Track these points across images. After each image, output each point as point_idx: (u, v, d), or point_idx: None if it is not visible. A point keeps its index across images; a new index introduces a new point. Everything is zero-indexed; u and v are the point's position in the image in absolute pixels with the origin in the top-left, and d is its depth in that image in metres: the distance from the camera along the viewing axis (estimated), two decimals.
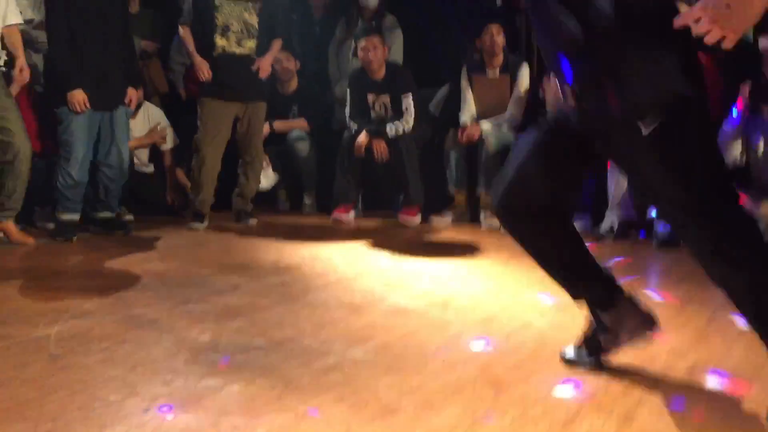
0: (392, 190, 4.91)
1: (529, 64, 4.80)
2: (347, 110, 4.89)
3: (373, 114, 4.85)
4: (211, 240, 4.17)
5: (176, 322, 2.41)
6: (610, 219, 4.11)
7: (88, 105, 4.02)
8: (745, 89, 3.81)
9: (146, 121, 5.06)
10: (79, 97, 3.99)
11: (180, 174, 5.17)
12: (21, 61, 3.90)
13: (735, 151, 3.93)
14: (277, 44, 4.64)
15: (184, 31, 4.54)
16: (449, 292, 2.89)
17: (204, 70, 4.43)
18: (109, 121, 4.18)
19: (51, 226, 4.25)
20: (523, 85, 4.71)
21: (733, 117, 3.87)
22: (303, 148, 5.20)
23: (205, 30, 4.45)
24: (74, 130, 4.05)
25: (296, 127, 5.28)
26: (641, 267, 3.48)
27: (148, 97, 5.18)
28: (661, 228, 3.89)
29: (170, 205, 5.07)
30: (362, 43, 4.73)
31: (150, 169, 5.12)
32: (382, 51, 4.72)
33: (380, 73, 4.77)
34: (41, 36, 4.34)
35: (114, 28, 4.15)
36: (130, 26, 4.50)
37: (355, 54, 5.02)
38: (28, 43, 4.31)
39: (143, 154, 5.07)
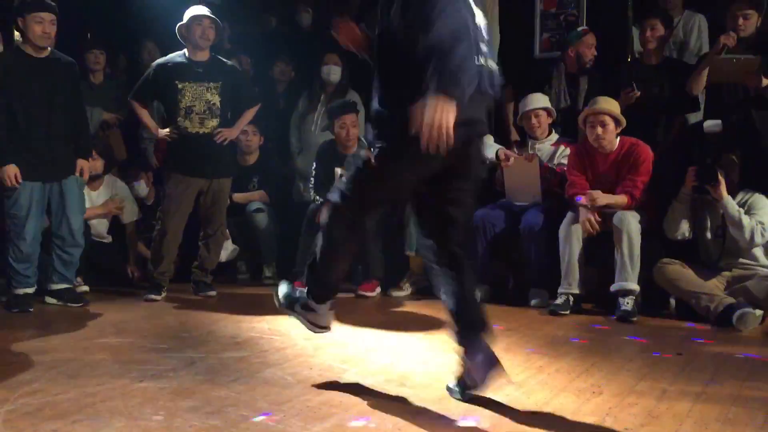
0: (352, 263, 4.93)
1: None
2: (311, 182, 4.95)
3: None
4: (168, 312, 4.12)
5: (129, 401, 2.37)
6: (565, 293, 4.17)
7: (19, 179, 3.98)
8: (691, 171, 3.98)
9: (108, 193, 5.05)
10: (9, 172, 3.96)
11: (141, 247, 5.14)
12: None
13: (683, 228, 4.08)
14: (249, 113, 4.72)
15: (135, 106, 4.61)
16: (407, 367, 2.90)
17: (167, 135, 4.50)
18: (58, 193, 4.16)
19: (3, 298, 4.17)
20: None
21: (683, 193, 4.03)
22: (262, 219, 5.24)
23: (169, 112, 4.54)
24: (22, 203, 4.02)
25: (256, 199, 5.33)
26: (597, 343, 3.54)
27: (110, 167, 5.20)
28: (624, 303, 3.98)
29: (130, 277, 5.01)
30: (341, 120, 4.83)
31: (108, 239, 5.08)
32: (356, 128, 4.82)
33: (351, 149, 4.86)
34: None
35: (62, 100, 4.14)
36: (88, 97, 4.53)
37: (327, 128, 5.10)
38: None
39: (101, 225, 5.04)
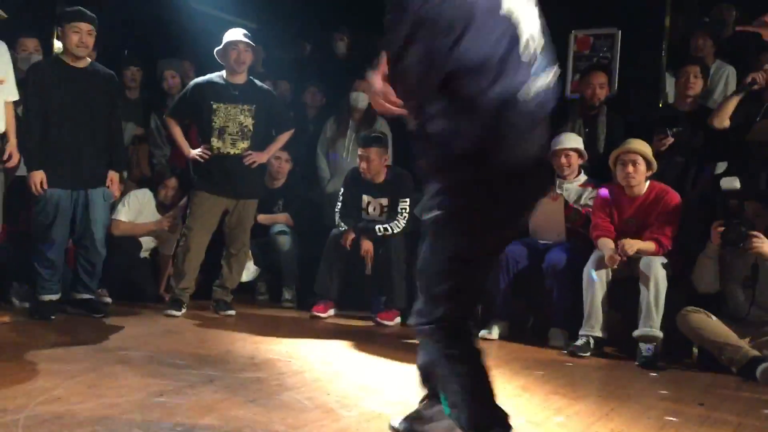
0: (374, 290, 4.94)
1: None
2: (338, 208, 4.97)
3: (365, 215, 4.94)
4: (187, 329, 4.14)
5: (148, 415, 2.38)
6: (586, 335, 4.13)
7: (45, 186, 4.04)
8: (716, 227, 3.91)
9: (140, 206, 5.06)
10: (36, 178, 4.03)
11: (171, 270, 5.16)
12: (12, 143, 3.93)
13: (713, 282, 4.02)
14: (283, 138, 4.77)
15: (170, 124, 4.68)
16: None
17: (199, 156, 4.54)
18: (84, 203, 4.21)
19: (26, 305, 4.23)
20: None
21: (709, 249, 3.98)
22: (284, 242, 5.26)
23: (203, 131, 4.60)
24: (49, 211, 4.08)
25: (280, 221, 5.36)
26: (617, 388, 3.49)
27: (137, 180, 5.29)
28: (647, 349, 3.93)
29: (161, 298, 5.00)
30: (359, 151, 4.87)
31: (145, 253, 5.11)
32: (378, 161, 4.82)
33: (379, 177, 4.88)
34: None
35: (97, 110, 4.21)
36: (124, 111, 4.60)
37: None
38: None
39: (145, 240, 5.06)
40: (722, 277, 4.02)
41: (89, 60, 4.24)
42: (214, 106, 4.53)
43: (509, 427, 1.92)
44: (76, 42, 4.09)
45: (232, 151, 4.56)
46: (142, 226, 4.92)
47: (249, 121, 4.59)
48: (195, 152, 4.59)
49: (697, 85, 4.62)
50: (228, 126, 4.55)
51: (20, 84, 4.11)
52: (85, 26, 4.10)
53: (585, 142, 4.74)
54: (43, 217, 4.09)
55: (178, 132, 4.68)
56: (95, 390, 2.65)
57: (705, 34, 5.10)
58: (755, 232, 3.82)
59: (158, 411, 2.43)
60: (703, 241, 4.09)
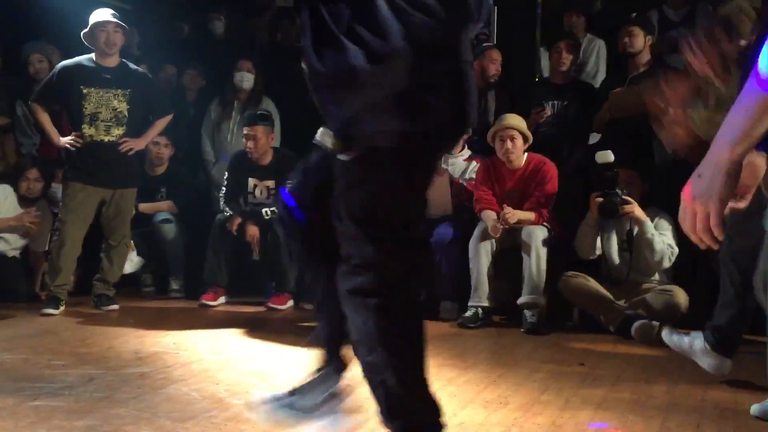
0: (264, 275, 4.86)
1: None
2: (222, 192, 4.85)
3: (251, 198, 4.83)
4: (66, 327, 3.93)
5: (20, 421, 2.24)
6: (474, 306, 4.23)
7: None
8: (594, 199, 4.08)
9: (10, 202, 4.75)
10: None
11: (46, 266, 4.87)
12: None
13: (594, 248, 4.21)
14: (160, 123, 4.58)
15: (36, 110, 4.41)
16: None
17: (70, 144, 4.30)
18: None
19: None
20: None
21: (589, 217, 4.15)
22: (169, 230, 5.08)
23: (73, 118, 4.35)
24: None
25: (163, 209, 5.17)
26: (504, 355, 3.61)
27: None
28: (531, 315, 4.07)
29: (37, 297, 4.71)
30: (244, 130, 4.75)
31: (15, 252, 4.80)
32: (265, 140, 4.73)
33: (265, 159, 4.78)
34: None
35: None
36: None
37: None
38: None
39: (12, 237, 4.74)
40: (602, 243, 4.21)
41: None
42: (85, 91, 4.29)
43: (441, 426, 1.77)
44: None
45: (106, 139, 4.35)
46: (1, 221, 4.60)
47: (123, 107, 4.38)
48: (65, 140, 4.35)
49: (568, 60, 4.81)
50: (100, 112, 4.33)
51: None
52: None
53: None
54: None
55: (45, 119, 4.41)
56: None
57: (576, 11, 5.31)
58: (628, 198, 4.02)
59: (32, 416, 2.29)
60: (581, 209, 4.28)
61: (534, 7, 5.65)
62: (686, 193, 1.18)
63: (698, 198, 1.15)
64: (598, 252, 4.21)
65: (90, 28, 4.31)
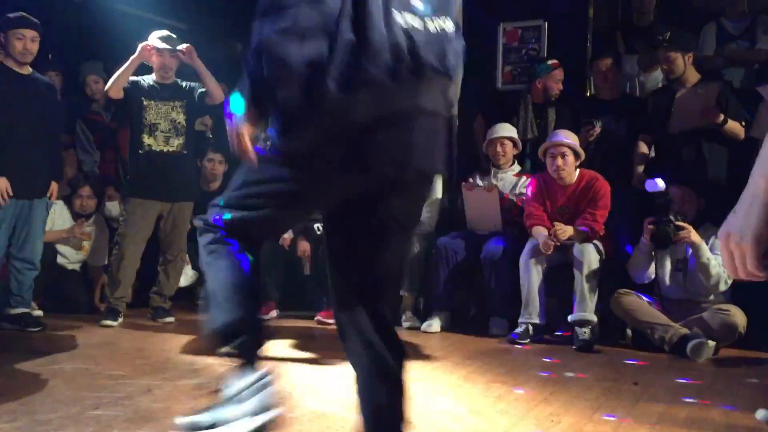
0: (316, 289, 4.92)
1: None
2: None
3: None
4: (125, 339, 4.05)
5: (83, 429, 2.32)
6: (525, 322, 4.21)
7: (10, 193, 3.95)
8: (647, 225, 4.01)
9: (67, 214, 4.95)
10: (1, 185, 3.92)
11: (105, 279, 5.04)
12: None
13: (648, 272, 4.14)
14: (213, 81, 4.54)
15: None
16: (299, 396, 2.85)
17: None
18: (27, 213, 4.11)
19: None
20: (438, 190, 4.84)
21: (642, 243, 4.08)
22: None
23: (133, 128, 4.50)
24: None
25: None
26: (555, 372, 3.57)
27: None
28: (583, 333, 4.02)
29: (96, 308, 4.87)
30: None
31: (75, 265, 4.97)
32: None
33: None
34: None
35: (43, 119, 4.17)
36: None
37: None
38: None
39: (66, 250, 4.92)
40: (656, 268, 4.13)
41: (30, 68, 4.16)
42: (145, 103, 4.47)
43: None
44: (20, 49, 4.03)
45: (165, 149, 4.48)
46: (52, 233, 4.76)
47: (182, 118, 4.54)
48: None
49: (610, 77, 4.77)
50: (159, 123, 4.48)
51: None
52: (29, 33, 4.04)
53: (536, 135, 4.84)
54: None
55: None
56: (27, 407, 2.57)
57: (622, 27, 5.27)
58: (682, 224, 3.95)
59: (93, 425, 2.37)
60: (633, 225, 4.22)
61: (585, 20, 5.61)
62: (722, 232, 1.09)
63: (732, 236, 1.05)
64: (653, 276, 4.14)
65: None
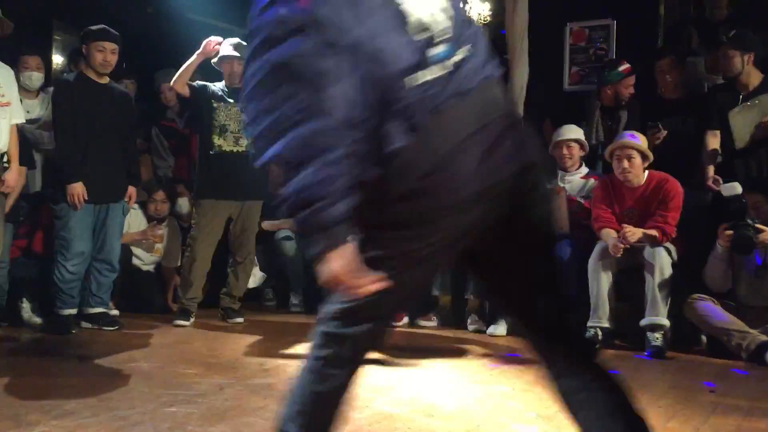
0: None
1: None
2: None
3: None
4: (196, 338, 4.16)
5: (159, 425, 2.40)
6: (594, 326, 4.13)
7: (86, 197, 4.11)
8: (723, 230, 3.89)
9: (142, 218, 5.12)
10: (78, 189, 4.09)
11: (177, 279, 5.18)
12: (14, 167, 3.95)
13: (724, 279, 4.01)
14: None
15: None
16: (435, 398, 2.89)
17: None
18: (105, 216, 4.27)
19: (38, 320, 4.27)
20: None
21: (718, 251, 3.97)
22: (290, 248, 5.27)
23: (204, 129, 4.62)
24: (73, 226, 4.14)
25: (285, 227, 5.37)
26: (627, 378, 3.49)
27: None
28: (655, 338, 3.93)
29: (168, 308, 5.02)
30: None
31: (149, 267, 5.15)
32: None
33: None
34: (46, 136, 4.51)
35: (120, 127, 4.34)
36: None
37: None
38: (32, 142, 4.48)
39: (140, 252, 5.10)
40: (733, 274, 4.00)
41: (108, 78, 4.35)
42: (215, 105, 4.57)
43: None
44: (101, 60, 4.19)
45: (235, 149, 4.57)
46: (126, 235, 4.91)
47: None
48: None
49: (673, 77, 4.64)
50: (229, 125, 4.58)
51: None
52: (109, 45, 4.20)
53: (602, 140, 4.76)
54: (67, 231, 4.14)
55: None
56: (107, 403, 2.67)
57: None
58: (761, 227, 3.82)
59: (169, 421, 2.45)
60: (706, 227, 4.09)
61: (655, 18, 5.48)
62: None
63: None
64: (730, 285, 4.01)
65: (219, 58, 4.57)
